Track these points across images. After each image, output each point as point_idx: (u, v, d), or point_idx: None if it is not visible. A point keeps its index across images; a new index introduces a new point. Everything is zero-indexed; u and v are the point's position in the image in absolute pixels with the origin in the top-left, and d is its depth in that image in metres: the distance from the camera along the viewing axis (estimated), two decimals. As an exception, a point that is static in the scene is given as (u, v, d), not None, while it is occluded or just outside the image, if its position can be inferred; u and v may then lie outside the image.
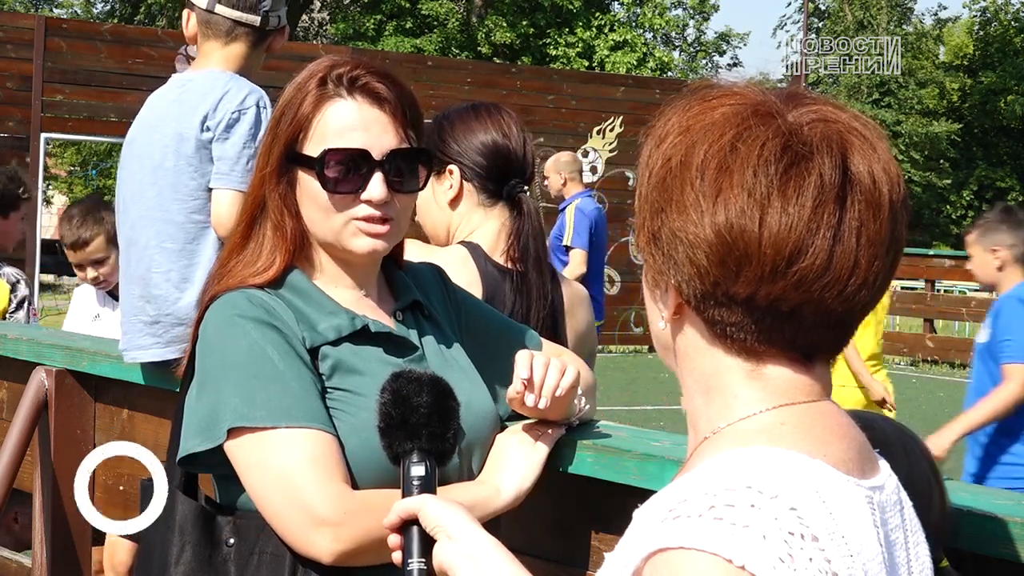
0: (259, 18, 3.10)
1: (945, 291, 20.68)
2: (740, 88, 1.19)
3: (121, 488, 3.10)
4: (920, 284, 17.76)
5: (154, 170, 2.99)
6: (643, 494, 1.88)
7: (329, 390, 1.78)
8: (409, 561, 1.43)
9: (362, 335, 1.83)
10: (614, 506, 1.99)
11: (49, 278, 28.44)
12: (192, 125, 2.93)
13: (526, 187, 2.53)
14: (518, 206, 2.52)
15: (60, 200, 44.11)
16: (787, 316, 1.13)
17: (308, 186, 1.83)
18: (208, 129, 2.92)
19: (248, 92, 2.97)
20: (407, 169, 1.85)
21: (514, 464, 1.88)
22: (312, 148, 1.81)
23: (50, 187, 37.81)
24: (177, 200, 2.94)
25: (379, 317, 1.89)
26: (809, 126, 1.14)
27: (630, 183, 16.98)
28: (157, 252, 2.95)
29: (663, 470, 1.87)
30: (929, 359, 16.77)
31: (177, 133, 2.95)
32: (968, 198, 44.62)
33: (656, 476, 1.87)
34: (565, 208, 8.67)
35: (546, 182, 8.89)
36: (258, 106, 2.95)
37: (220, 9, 3.11)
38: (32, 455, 3.16)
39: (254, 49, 3.13)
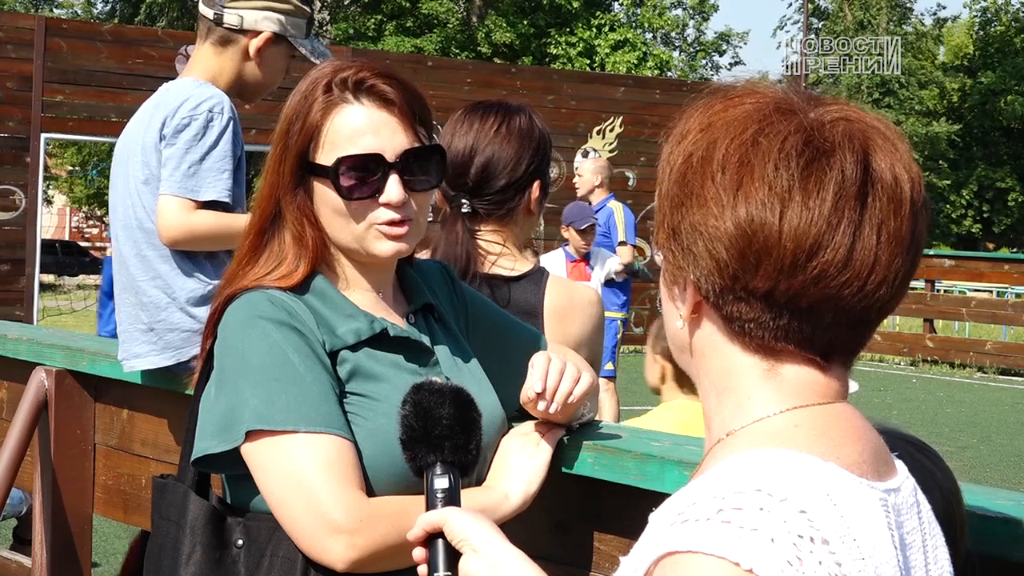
0: (212, 11, 3.07)
1: (945, 291, 20.68)
2: (761, 87, 1.19)
3: (121, 488, 3.10)
4: (920, 284, 17.77)
5: (128, 179, 3.00)
6: (643, 494, 1.89)
7: (347, 395, 1.78)
8: (435, 574, 1.42)
9: (380, 339, 1.83)
10: (614, 506, 1.99)
11: (49, 278, 28.43)
12: (153, 134, 2.94)
13: (465, 200, 2.49)
14: (451, 218, 2.49)
15: (60, 200, 44.14)
16: (805, 313, 1.12)
17: (325, 195, 1.82)
18: (164, 137, 2.91)
19: (204, 99, 2.92)
20: (421, 168, 1.84)
21: (520, 468, 1.88)
22: (324, 157, 1.80)
23: (50, 187, 37.83)
24: (146, 209, 2.94)
25: (394, 320, 1.88)
26: (831, 124, 1.14)
27: (630, 183, 16.98)
28: (139, 261, 2.96)
29: (663, 470, 1.87)
30: (929, 359, 16.77)
31: (143, 144, 2.96)
32: (968, 198, 44.62)
33: (656, 476, 1.87)
34: (601, 209, 9.09)
35: (576, 180, 9.41)
36: (209, 111, 2.90)
37: (200, 7, 3.13)
38: (32, 455, 3.16)
39: (222, 50, 3.07)
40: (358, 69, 1.82)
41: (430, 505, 1.48)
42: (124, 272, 3.01)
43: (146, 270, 2.95)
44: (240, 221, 2.83)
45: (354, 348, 1.80)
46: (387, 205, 1.81)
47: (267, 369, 1.72)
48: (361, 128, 1.80)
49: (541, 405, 1.83)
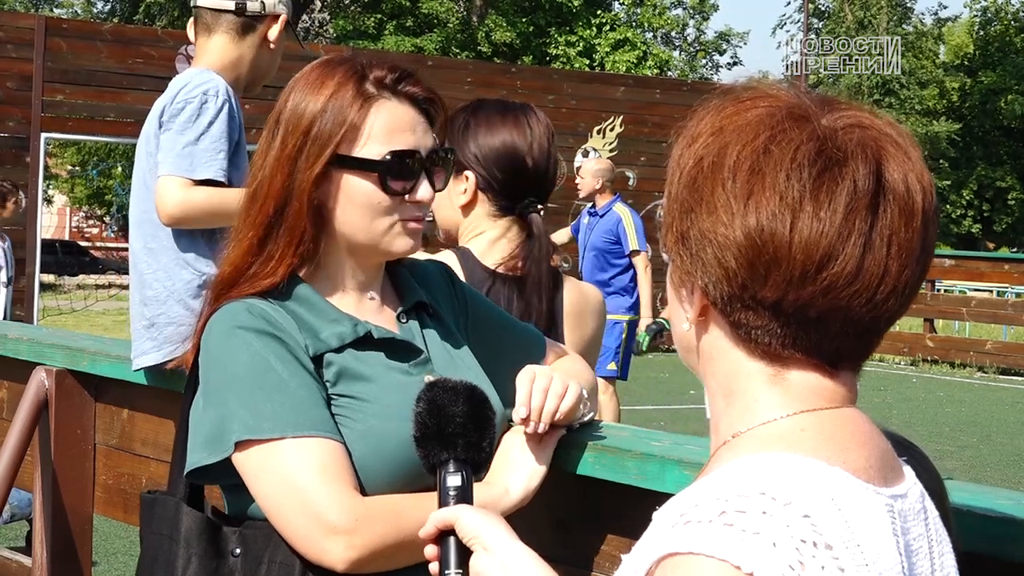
0: (233, 3, 3.08)
1: (945, 291, 20.68)
2: (775, 90, 1.18)
3: (121, 488, 3.10)
4: (920, 284, 17.73)
5: (137, 175, 3.03)
6: (643, 494, 1.89)
7: (334, 397, 1.78)
8: (446, 572, 1.42)
9: (365, 341, 1.83)
10: (614, 506, 1.99)
11: (49, 278, 28.43)
12: (154, 123, 2.97)
13: (540, 205, 2.50)
14: (528, 227, 2.48)
15: (60, 200, 44.14)
16: (813, 322, 1.12)
17: (356, 189, 1.81)
18: (162, 124, 2.93)
19: (200, 83, 2.94)
20: (439, 169, 1.87)
21: (521, 464, 1.88)
22: (366, 150, 1.80)
23: (50, 187, 37.84)
24: (151, 200, 2.96)
25: (382, 321, 1.88)
26: (844, 131, 1.13)
27: (631, 183, 16.97)
28: (146, 254, 2.97)
29: (663, 470, 1.87)
30: (929, 359, 16.77)
31: (147, 135, 2.99)
32: (968, 198, 44.63)
33: (656, 476, 1.87)
34: (607, 213, 8.93)
35: (578, 181, 9.16)
36: (204, 94, 2.92)
37: (201, 1, 3.12)
38: (32, 455, 3.16)
39: (240, 38, 3.10)
40: (390, 67, 1.84)
41: (442, 502, 1.48)
42: (134, 268, 3.02)
43: (151, 263, 2.96)
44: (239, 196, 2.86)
45: (339, 351, 1.80)
46: (418, 203, 1.83)
47: (250, 378, 1.73)
48: (402, 124, 1.82)
49: (529, 427, 1.84)
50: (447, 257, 2.42)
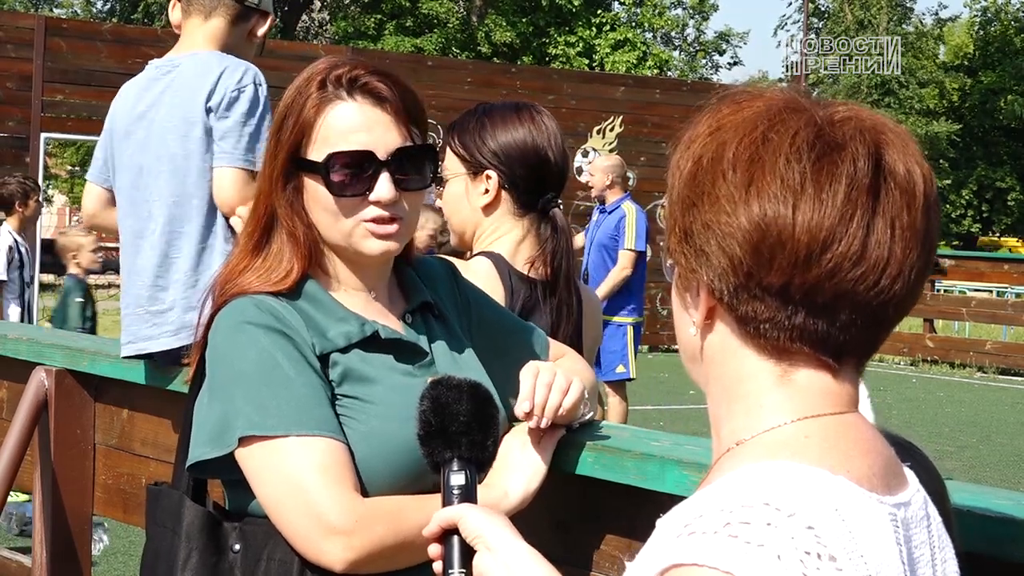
0: None
1: (945, 291, 20.67)
2: (769, 91, 1.19)
3: (121, 488, 3.10)
4: (920, 284, 17.71)
5: (161, 158, 2.99)
6: (643, 494, 1.89)
7: (339, 397, 1.78)
8: (450, 571, 1.42)
9: (372, 341, 1.83)
10: (614, 506, 1.99)
11: (49, 278, 28.39)
12: (197, 109, 2.95)
13: (559, 200, 2.52)
14: (551, 221, 2.50)
15: (60, 200, 44.14)
16: (821, 309, 1.11)
17: (315, 191, 1.82)
18: (211, 111, 2.94)
19: (244, 70, 2.97)
20: (413, 167, 1.84)
21: (520, 466, 1.88)
22: (316, 153, 1.80)
23: (50, 187, 37.84)
24: (191, 185, 2.96)
25: (389, 321, 1.88)
26: (841, 121, 1.14)
27: (630, 183, 16.97)
28: (176, 237, 2.97)
29: (663, 470, 1.87)
30: (929, 359, 16.76)
31: (182, 119, 2.96)
32: (968, 198, 44.61)
33: (656, 476, 1.87)
34: (614, 210, 8.90)
35: (589, 180, 9.10)
36: (255, 83, 2.96)
37: None
38: (32, 455, 3.16)
39: (235, 26, 3.12)
40: (352, 67, 1.83)
41: (446, 501, 1.48)
42: (144, 254, 3.00)
43: (182, 246, 2.96)
44: None
45: (345, 351, 1.80)
46: (377, 203, 1.81)
47: (257, 375, 1.73)
48: (354, 125, 1.80)
49: (533, 422, 1.84)
50: (482, 264, 2.43)
